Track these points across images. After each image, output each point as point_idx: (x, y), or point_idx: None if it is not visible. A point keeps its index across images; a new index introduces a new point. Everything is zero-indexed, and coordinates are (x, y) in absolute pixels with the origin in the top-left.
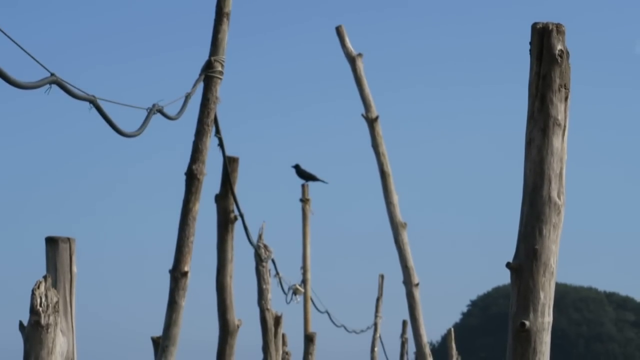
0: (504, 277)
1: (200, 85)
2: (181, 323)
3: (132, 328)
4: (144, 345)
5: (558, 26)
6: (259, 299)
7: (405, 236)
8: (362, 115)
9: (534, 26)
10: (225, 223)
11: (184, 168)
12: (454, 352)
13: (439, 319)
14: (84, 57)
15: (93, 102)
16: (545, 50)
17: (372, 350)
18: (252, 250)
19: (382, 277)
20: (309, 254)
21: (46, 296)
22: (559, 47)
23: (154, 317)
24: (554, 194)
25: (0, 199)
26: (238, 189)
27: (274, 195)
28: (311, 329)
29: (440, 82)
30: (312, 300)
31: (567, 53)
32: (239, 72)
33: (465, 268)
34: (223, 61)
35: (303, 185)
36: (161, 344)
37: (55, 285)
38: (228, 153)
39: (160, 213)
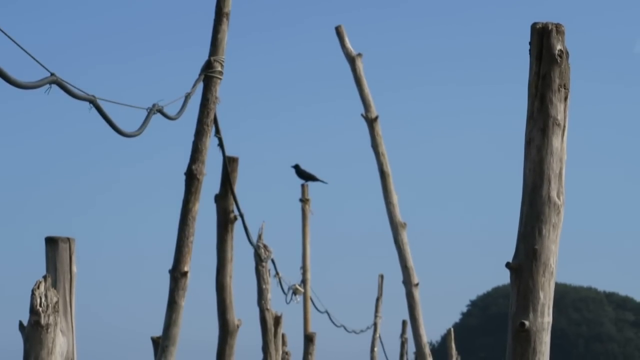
0: (504, 277)
1: (200, 85)
2: (181, 323)
3: (132, 328)
4: (143, 345)
5: (557, 26)
6: (259, 299)
7: (405, 236)
8: (362, 115)
9: (534, 26)
10: (225, 223)
11: (184, 168)
12: (454, 352)
13: (439, 319)
14: (84, 57)
15: (93, 102)
16: (544, 50)
17: (372, 350)
18: (251, 250)
19: (381, 277)
20: (308, 254)
21: (46, 296)
22: (559, 47)
23: (154, 317)
24: (554, 193)
25: (0, 199)
26: (238, 189)
27: (273, 195)
28: (311, 329)
29: (440, 82)
30: (311, 300)
31: (567, 53)
32: (238, 72)
33: (465, 268)
34: (223, 61)
35: (303, 185)
36: (161, 344)
37: (55, 285)
38: (228, 153)
39: (160, 213)
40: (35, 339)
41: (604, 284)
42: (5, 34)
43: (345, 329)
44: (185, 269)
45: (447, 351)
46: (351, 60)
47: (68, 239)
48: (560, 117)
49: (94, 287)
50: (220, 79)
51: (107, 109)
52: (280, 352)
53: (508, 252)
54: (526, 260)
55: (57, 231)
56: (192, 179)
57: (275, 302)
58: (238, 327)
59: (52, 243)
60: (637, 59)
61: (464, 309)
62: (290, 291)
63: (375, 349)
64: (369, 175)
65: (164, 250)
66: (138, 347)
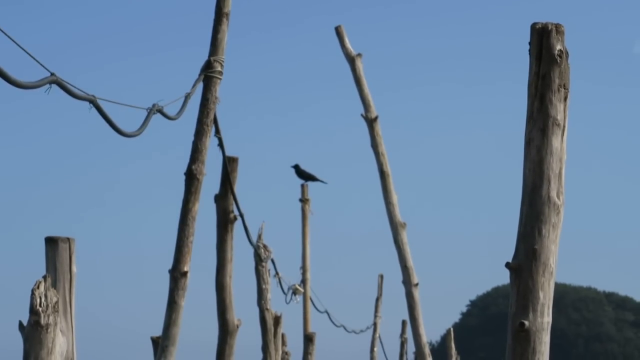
0: (504, 277)
1: (200, 85)
2: (181, 323)
3: (131, 328)
4: (143, 345)
5: (557, 26)
6: (259, 299)
7: (405, 236)
8: (362, 115)
9: (533, 26)
10: (224, 223)
11: (184, 168)
12: (454, 352)
13: (439, 319)
14: (84, 57)
15: (93, 102)
16: (544, 50)
17: (372, 350)
18: (251, 250)
19: (381, 277)
20: (308, 254)
21: (46, 296)
22: (558, 47)
23: (154, 317)
24: (554, 194)
25: (0, 199)
26: (238, 189)
27: (273, 195)
28: (311, 328)
29: (440, 82)
30: (311, 300)
31: (567, 53)
32: (238, 72)
33: (464, 268)
34: (222, 61)
35: (302, 185)
36: (161, 344)
37: (54, 285)
38: (228, 153)
39: (160, 213)
40: (35, 339)
41: (603, 284)
42: (5, 34)
43: (345, 329)
44: (185, 269)
45: (447, 351)
46: (351, 60)
47: (68, 239)
48: (560, 117)
49: (94, 287)
50: (220, 79)
51: (107, 109)
52: (280, 352)
53: (508, 252)
54: (526, 260)
55: (57, 231)
56: (192, 179)
57: (275, 302)
58: (238, 327)
59: (52, 243)
60: (637, 59)
61: (464, 309)
62: (290, 291)
63: (375, 349)
64: (368, 175)
65: (164, 250)
66: (138, 347)
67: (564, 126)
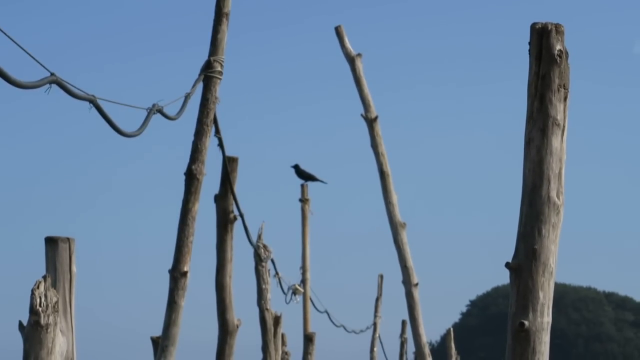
0: (503, 277)
1: (200, 85)
2: (181, 323)
3: (131, 328)
4: (143, 345)
5: (557, 26)
6: (259, 299)
7: (405, 236)
8: (362, 115)
9: (533, 26)
10: (224, 223)
11: (184, 168)
12: (453, 352)
13: (438, 319)
14: (84, 57)
15: (93, 102)
16: (544, 50)
17: (372, 350)
18: (251, 250)
19: (381, 277)
20: (308, 254)
21: (46, 296)
22: (558, 47)
23: (154, 317)
24: (553, 193)
25: (0, 199)
26: (237, 188)
27: (273, 195)
28: (310, 328)
29: (440, 82)
30: (311, 300)
31: (566, 53)
32: (238, 72)
33: (464, 268)
34: (222, 61)
35: (302, 185)
36: (161, 344)
37: (54, 285)
38: (227, 153)
39: (160, 213)
40: (35, 339)
41: (603, 284)
42: (5, 34)
43: (344, 328)
44: (185, 269)
45: (447, 351)
46: (351, 60)
47: (68, 239)
48: (559, 117)
49: (94, 287)
50: (220, 79)
51: (107, 109)
52: (280, 352)
53: (508, 252)
54: (526, 260)
55: (56, 231)
56: (191, 179)
57: (275, 302)
58: (238, 327)
59: (51, 243)
60: (637, 59)
61: (464, 309)
62: (290, 291)
63: (375, 348)
64: (368, 175)
65: (164, 250)
66: (138, 347)
67: (563, 126)
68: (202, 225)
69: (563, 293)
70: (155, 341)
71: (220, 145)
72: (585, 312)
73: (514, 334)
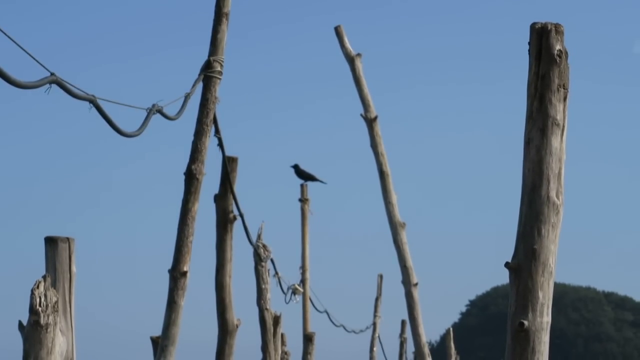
0: (503, 277)
1: (200, 85)
2: (180, 323)
3: (131, 328)
4: (143, 345)
5: (557, 26)
6: (258, 299)
7: (404, 236)
8: (361, 115)
9: (533, 26)
10: (224, 223)
11: (183, 168)
12: (453, 351)
13: (438, 319)
14: (84, 57)
15: (93, 102)
16: (544, 50)
17: (371, 350)
18: (251, 250)
19: (381, 277)
20: (308, 254)
21: (45, 296)
22: (558, 47)
23: (153, 317)
24: (553, 193)
25: (0, 199)
26: (237, 188)
27: (273, 195)
28: (310, 328)
29: (439, 82)
30: (311, 300)
31: (566, 53)
32: (238, 72)
33: (464, 268)
34: (222, 61)
35: (302, 185)
36: (160, 344)
37: (54, 285)
38: (227, 153)
39: (160, 213)
40: (35, 339)
41: (603, 284)
42: (5, 34)
43: (344, 328)
44: (185, 268)
45: (446, 351)
46: (350, 60)
47: (67, 238)
48: (559, 117)
49: (94, 287)
50: (219, 78)
51: (107, 109)
52: (280, 351)
53: (507, 252)
54: (525, 260)
55: (56, 231)
56: (191, 179)
57: (275, 301)
58: (237, 326)
59: (51, 243)
60: (636, 59)
61: (463, 309)
62: (290, 291)
63: (375, 348)
64: (368, 175)
65: (164, 250)
66: (137, 347)
67: (563, 126)
68: (202, 225)
69: (562, 293)
70: (155, 341)
71: (220, 145)
72: (585, 312)
73: (514, 334)
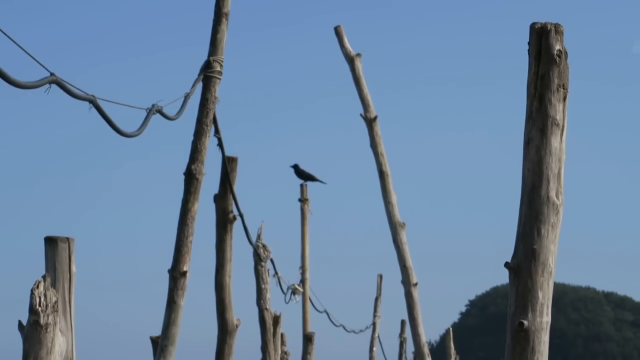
0: (503, 277)
1: (200, 85)
2: (180, 323)
3: (131, 328)
4: (143, 345)
5: (556, 26)
6: (258, 299)
7: (404, 236)
8: (361, 115)
9: (533, 26)
10: (224, 223)
11: (183, 168)
12: (453, 351)
13: (438, 319)
14: (84, 57)
15: (93, 102)
16: (543, 50)
17: (371, 350)
18: (251, 250)
19: (380, 277)
20: (307, 254)
21: (45, 296)
22: (558, 47)
23: (153, 317)
24: (553, 193)
25: (0, 199)
26: (237, 188)
27: (273, 195)
28: (310, 328)
29: (439, 82)
30: (310, 300)
31: (566, 53)
32: (237, 72)
33: (463, 268)
34: (222, 61)
35: (302, 185)
36: (160, 344)
37: (54, 284)
38: (227, 153)
39: (159, 213)
40: (35, 339)
41: (602, 284)
42: (5, 34)
43: (344, 328)
44: (185, 268)
45: (446, 351)
46: (350, 60)
47: (67, 238)
48: (559, 117)
49: (93, 287)
50: (219, 78)
51: (107, 109)
52: (279, 351)
53: (507, 252)
54: (525, 260)
55: (56, 231)
56: (191, 179)
57: (275, 301)
58: (237, 326)
59: (51, 243)
60: (636, 59)
61: (463, 309)
62: (290, 291)
63: (374, 348)
64: (368, 175)
65: (163, 250)
66: (137, 347)
67: (563, 126)
68: (202, 225)
69: (562, 293)
70: (154, 341)
71: (220, 145)
72: (585, 312)
73: (513, 334)
